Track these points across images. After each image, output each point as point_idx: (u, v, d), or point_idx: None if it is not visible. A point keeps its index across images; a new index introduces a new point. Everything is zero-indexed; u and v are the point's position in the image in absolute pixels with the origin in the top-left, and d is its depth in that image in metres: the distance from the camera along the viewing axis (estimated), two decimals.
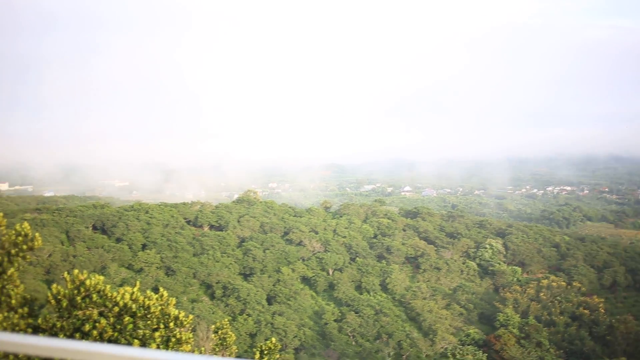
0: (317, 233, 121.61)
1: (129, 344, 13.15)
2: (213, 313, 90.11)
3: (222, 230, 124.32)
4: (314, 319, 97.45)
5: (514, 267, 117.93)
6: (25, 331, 13.24)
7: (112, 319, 13.67)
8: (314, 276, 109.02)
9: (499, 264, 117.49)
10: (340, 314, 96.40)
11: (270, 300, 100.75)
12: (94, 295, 13.83)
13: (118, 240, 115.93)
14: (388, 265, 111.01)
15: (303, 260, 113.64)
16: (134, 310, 13.71)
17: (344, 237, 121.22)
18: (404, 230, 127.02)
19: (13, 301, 13.85)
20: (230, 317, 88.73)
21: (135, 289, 14.23)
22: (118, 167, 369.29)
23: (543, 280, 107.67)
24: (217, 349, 20.04)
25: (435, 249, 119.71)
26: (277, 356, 18.86)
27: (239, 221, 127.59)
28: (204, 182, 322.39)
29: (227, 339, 20.23)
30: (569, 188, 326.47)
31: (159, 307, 14.18)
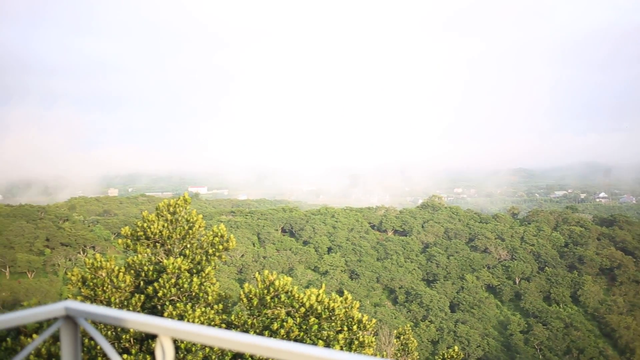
0: (503, 240, 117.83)
1: (314, 344, 13.61)
2: (395, 318, 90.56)
3: (406, 235, 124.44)
4: (499, 329, 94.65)
5: None
6: (219, 326, 14.14)
7: (298, 319, 14.23)
8: (499, 285, 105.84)
9: None
10: (526, 326, 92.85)
11: (453, 307, 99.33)
12: (282, 296, 14.48)
13: (305, 243, 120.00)
14: (580, 276, 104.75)
15: (488, 267, 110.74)
16: (319, 311, 14.16)
17: (532, 245, 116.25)
18: (599, 240, 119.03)
19: (210, 298, 14.88)
20: (412, 323, 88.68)
21: (321, 291, 14.69)
22: (306, 171, 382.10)
23: None
24: (399, 355, 20.16)
25: (634, 260, 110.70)
26: None
27: (423, 226, 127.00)
28: (389, 187, 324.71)
29: (409, 345, 20.28)
30: None
31: (343, 310, 14.54)
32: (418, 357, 21.34)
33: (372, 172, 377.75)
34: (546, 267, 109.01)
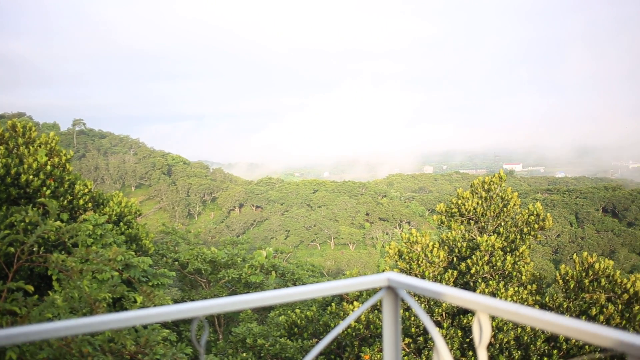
0: None
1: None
2: None
3: None
4: None
5: None
6: (532, 307, 13.87)
7: (620, 306, 13.38)
8: None
9: None
10: None
11: None
12: (602, 280, 13.72)
13: (630, 224, 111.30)
14: None
15: None
16: None
17: None
18: None
19: (523, 277, 14.65)
20: None
21: None
22: (632, 147, 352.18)
23: None
24: None
25: None
26: None
27: None
28: None
29: None
30: None
31: None
32: None
33: None
34: None
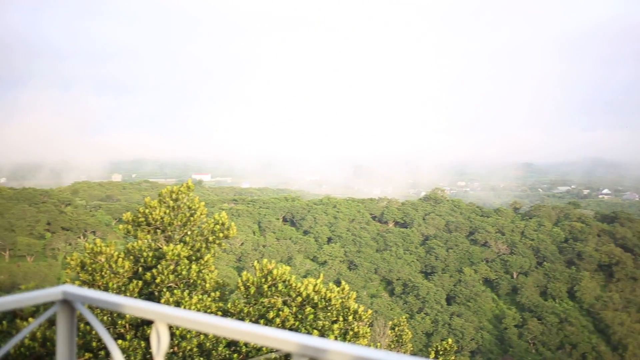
0: (503, 234, 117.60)
1: (309, 334, 13.72)
2: (391, 309, 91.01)
3: (406, 228, 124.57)
4: (494, 322, 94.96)
5: None
6: (215, 314, 14.25)
7: (294, 309, 14.34)
8: (496, 279, 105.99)
9: None
10: (521, 320, 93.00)
11: (449, 300, 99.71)
12: (280, 285, 14.59)
13: (305, 232, 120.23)
14: (578, 272, 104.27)
15: (487, 261, 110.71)
16: (315, 301, 14.27)
17: (532, 239, 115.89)
18: (599, 236, 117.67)
19: (207, 285, 15.00)
20: (407, 315, 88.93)
21: (318, 281, 14.79)
22: (310, 161, 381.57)
23: None
24: (393, 345, 20.25)
25: (633, 257, 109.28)
26: (453, 358, 18.71)
27: (424, 219, 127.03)
28: (392, 179, 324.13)
29: (403, 336, 20.35)
30: None
31: (340, 300, 14.64)
32: (412, 348, 21.44)
33: (376, 164, 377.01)
34: (545, 262, 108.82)
